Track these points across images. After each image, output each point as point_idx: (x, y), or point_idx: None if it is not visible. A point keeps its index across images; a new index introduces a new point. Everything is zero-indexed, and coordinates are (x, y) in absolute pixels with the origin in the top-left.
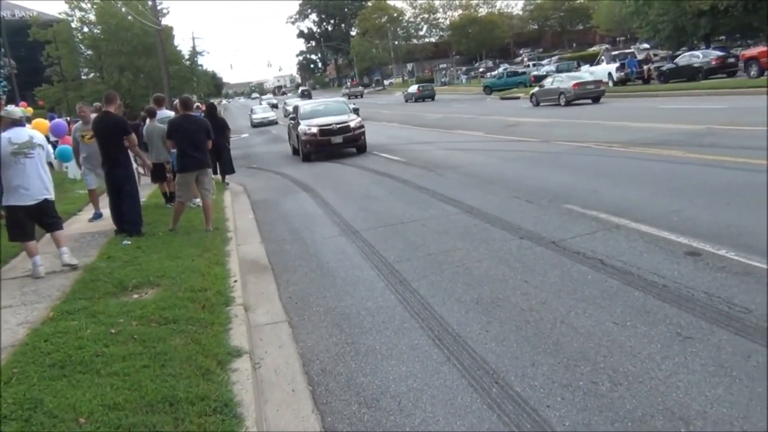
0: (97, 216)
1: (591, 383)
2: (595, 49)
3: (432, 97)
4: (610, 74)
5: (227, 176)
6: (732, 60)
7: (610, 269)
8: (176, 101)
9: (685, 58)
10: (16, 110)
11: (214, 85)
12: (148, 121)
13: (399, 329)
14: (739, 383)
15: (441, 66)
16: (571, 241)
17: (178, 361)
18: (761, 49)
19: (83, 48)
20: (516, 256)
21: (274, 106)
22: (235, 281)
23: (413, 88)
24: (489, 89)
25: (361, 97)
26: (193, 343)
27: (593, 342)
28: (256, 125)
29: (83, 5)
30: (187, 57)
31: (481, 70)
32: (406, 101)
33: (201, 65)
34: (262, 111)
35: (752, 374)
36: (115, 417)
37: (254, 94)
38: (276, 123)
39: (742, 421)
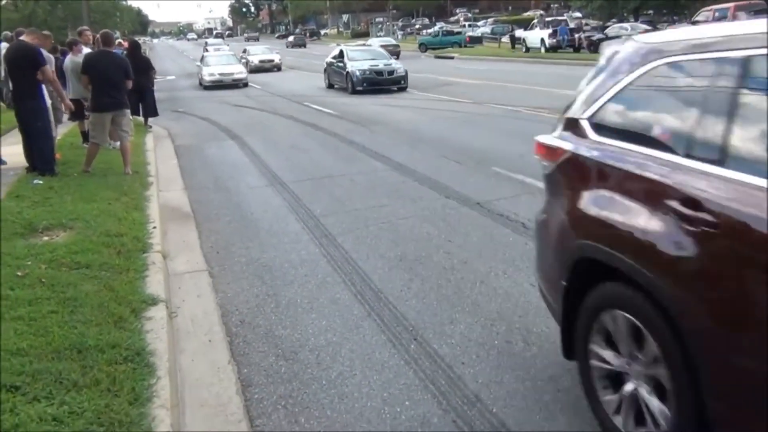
0: None
1: (505, 342)
2: (530, 14)
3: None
4: (542, 40)
5: (150, 119)
6: None
7: (531, 233)
8: (97, 36)
9: (615, 29)
10: None
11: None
12: (69, 54)
13: (321, 283)
14: None
15: (377, 20)
16: (496, 203)
17: (89, 308)
18: (685, 26)
19: None
20: (441, 215)
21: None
22: (154, 227)
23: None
24: (424, 47)
25: (304, 47)
26: (105, 289)
27: (510, 302)
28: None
29: None
30: None
31: (417, 26)
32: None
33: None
34: (261, 52)
35: None
36: (18, 363)
37: (190, 34)
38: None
39: None
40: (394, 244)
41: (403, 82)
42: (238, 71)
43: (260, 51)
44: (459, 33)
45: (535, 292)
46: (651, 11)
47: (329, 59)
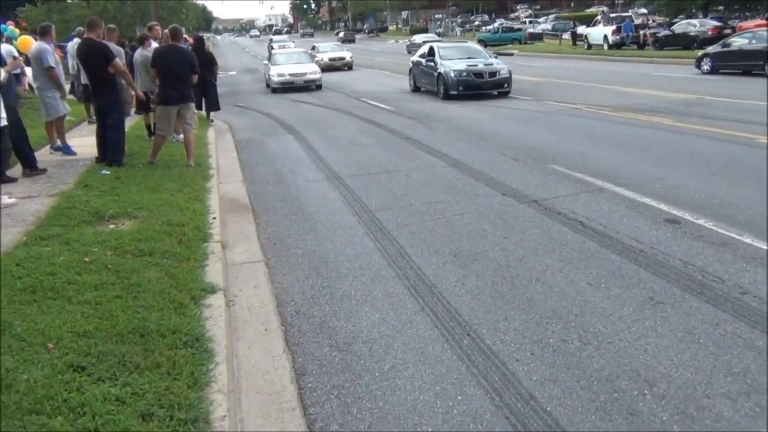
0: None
1: (561, 341)
2: (593, 10)
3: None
4: (605, 37)
5: (212, 113)
6: (728, 31)
7: (589, 231)
8: (165, 31)
9: (682, 26)
10: None
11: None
12: (139, 48)
13: (375, 276)
14: (705, 350)
15: (436, 16)
16: (554, 201)
17: (151, 294)
18: (758, 21)
19: None
20: (498, 212)
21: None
22: (214, 218)
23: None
24: (483, 43)
25: (353, 42)
26: (167, 276)
27: (566, 301)
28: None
29: None
30: None
31: (476, 23)
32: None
33: None
34: (331, 50)
35: (719, 342)
36: (84, 344)
37: (253, 31)
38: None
39: (704, 387)
40: (449, 239)
41: (506, 85)
42: (312, 71)
43: (330, 48)
44: (519, 30)
45: (593, 291)
46: (721, 6)
47: (416, 58)
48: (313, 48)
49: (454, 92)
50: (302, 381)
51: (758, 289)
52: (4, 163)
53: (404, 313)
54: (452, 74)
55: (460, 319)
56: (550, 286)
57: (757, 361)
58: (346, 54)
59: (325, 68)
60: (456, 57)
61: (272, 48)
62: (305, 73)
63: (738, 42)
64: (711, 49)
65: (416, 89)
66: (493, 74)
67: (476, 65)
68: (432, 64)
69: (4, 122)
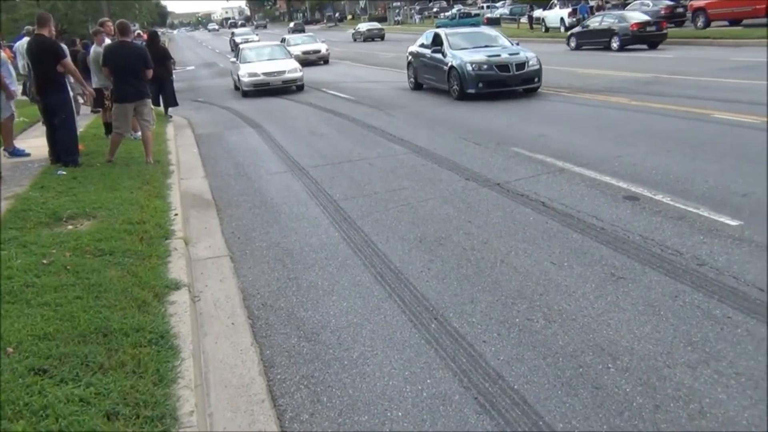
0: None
1: (526, 320)
2: None
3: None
4: (562, 19)
5: (170, 109)
6: (680, 10)
7: (551, 211)
8: (113, 25)
9: (636, 5)
10: None
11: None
12: (93, 45)
13: (342, 266)
14: (665, 321)
15: (395, 4)
16: (516, 183)
17: (113, 293)
18: (709, 0)
19: None
20: (461, 196)
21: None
22: (176, 215)
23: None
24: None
25: (303, 32)
26: (129, 275)
27: (531, 281)
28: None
29: None
30: None
31: (435, 10)
32: (354, 40)
33: None
34: (303, 42)
35: (678, 313)
36: (45, 347)
37: (211, 24)
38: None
39: (665, 357)
40: (413, 226)
41: (537, 80)
42: (291, 68)
43: (302, 40)
44: (477, 15)
45: (556, 270)
46: None
47: (415, 48)
48: (283, 41)
49: (471, 90)
50: (271, 373)
51: (714, 260)
52: None
53: (371, 300)
54: (469, 68)
55: (427, 304)
56: (515, 267)
57: (714, 330)
58: (321, 46)
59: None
60: (469, 45)
61: (236, 43)
62: (283, 72)
63: (593, 23)
64: (574, 30)
65: (418, 86)
66: (521, 66)
67: (498, 55)
68: (439, 55)
69: None
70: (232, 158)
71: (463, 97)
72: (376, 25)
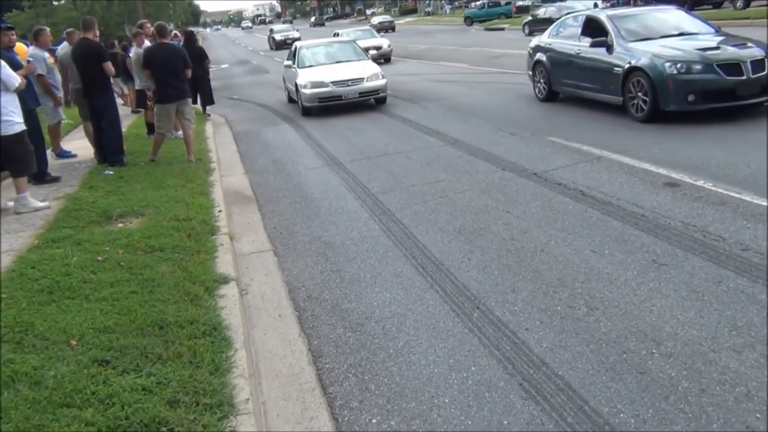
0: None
1: (568, 308)
2: None
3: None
4: (595, 4)
5: (208, 107)
6: None
7: (590, 200)
8: (152, 28)
9: None
10: None
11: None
12: (134, 47)
13: (383, 258)
14: (709, 307)
15: None
16: (553, 172)
17: (166, 287)
18: None
19: None
20: (498, 187)
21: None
22: (220, 211)
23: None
24: (470, 20)
25: (323, 26)
26: (179, 270)
27: (571, 269)
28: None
29: None
30: None
31: (465, 0)
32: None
33: None
34: (360, 37)
35: (722, 298)
36: (106, 339)
37: (244, 22)
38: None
39: (710, 342)
40: (452, 217)
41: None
42: (371, 74)
43: (358, 35)
44: (507, 3)
45: (597, 258)
46: None
47: (546, 39)
48: (336, 35)
49: (675, 106)
50: (319, 362)
51: (759, 245)
52: (29, 166)
53: (414, 291)
54: (669, 69)
55: (469, 294)
56: (555, 256)
57: (760, 314)
58: (382, 42)
59: None
60: (655, 35)
61: (275, 41)
62: (360, 79)
63: (539, 13)
64: (527, 19)
65: (551, 96)
66: (759, 65)
67: (717, 47)
68: (601, 49)
69: (23, 126)
70: (270, 154)
71: (656, 116)
72: (387, 17)
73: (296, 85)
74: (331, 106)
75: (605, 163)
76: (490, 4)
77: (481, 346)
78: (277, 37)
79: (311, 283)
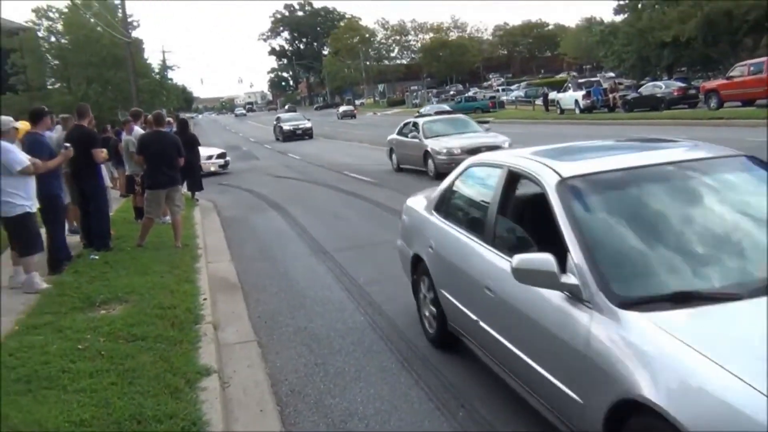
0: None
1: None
2: (562, 75)
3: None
4: (576, 101)
5: (197, 193)
6: (693, 91)
7: None
8: (149, 116)
9: (649, 87)
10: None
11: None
12: (124, 133)
13: (368, 351)
14: None
15: (412, 88)
16: None
17: (147, 379)
18: (720, 81)
19: (50, 57)
20: None
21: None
22: (205, 299)
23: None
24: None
25: (354, 118)
26: (161, 360)
27: None
28: None
29: (51, 14)
30: (157, 71)
31: (451, 93)
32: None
33: (171, 79)
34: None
35: None
36: None
37: (238, 109)
38: None
39: None
40: None
41: None
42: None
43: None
44: (484, 99)
45: None
46: (684, 68)
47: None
48: (414, 126)
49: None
50: None
51: None
52: (33, 248)
53: (399, 387)
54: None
55: (455, 392)
56: None
57: None
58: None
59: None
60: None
61: (282, 130)
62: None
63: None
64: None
65: None
66: None
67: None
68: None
69: (27, 209)
70: (258, 241)
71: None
72: (350, 107)
73: (428, 150)
74: None
75: None
76: (466, 98)
77: None
78: (286, 126)
79: (294, 377)
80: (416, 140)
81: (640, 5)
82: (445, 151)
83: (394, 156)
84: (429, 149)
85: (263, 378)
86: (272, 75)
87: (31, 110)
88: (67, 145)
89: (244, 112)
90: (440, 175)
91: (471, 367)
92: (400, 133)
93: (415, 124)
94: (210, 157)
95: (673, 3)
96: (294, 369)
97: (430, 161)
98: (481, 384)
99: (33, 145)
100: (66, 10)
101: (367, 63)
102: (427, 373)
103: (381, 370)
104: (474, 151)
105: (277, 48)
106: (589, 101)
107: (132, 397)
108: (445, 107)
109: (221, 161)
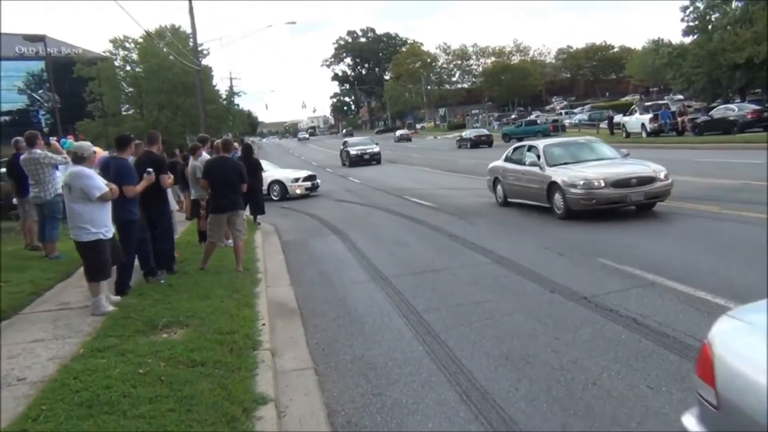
0: None
1: None
2: (628, 98)
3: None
4: (643, 125)
5: (258, 216)
6: None
7: (644, 329)
8: (217, 141)
9: (720, 110)
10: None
11: (250, 124)
12: (191, 158)
13: (426, 382)
14: None
15: (473, 111)
16: (604, 297)
17: (204, 407)
18: None
19: (125, 85)
20: (547, 310)
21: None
22: (263, 324)
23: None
24: (508, 137)
25: (410, 141)
26: (219, 387)
27: (626, 407)
28: None
29: (127, 45)
30: (224, 97)
31: (513, 116)
32: (459, 147)
33: (237, 105)
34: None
35: None
36: None
37: (301, 133)
38: None
39: None
40: (498, 341)
41: None
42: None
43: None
44: (545, 122)
45: (654, 395)
46: (759, 90)
47: None
48: (530, 150)
49: None
50: None
51: None
52: (100, 274)
53: (457, 422)
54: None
55: (516, 428)
56: (608, 390)
57: None
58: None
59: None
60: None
61: (348, 154)
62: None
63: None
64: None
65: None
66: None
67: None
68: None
69: (98, 236)
70: (317, 266)
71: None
72: (405, 131)
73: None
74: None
75: (659, 289)
76: (527, 122)
77: None
78: (353, 151)
79: (351, 407)
80: (536, 168)
81: (710, 27)
82: (582, 183)
83: (499, 187)
84: (558, 180)
85: (320, 407)
86: (335, 100)
87: (117, 137)
88: (150, 170)
89: (306, 136)
90: (572, 214)
91: (534, 401)
92: (509, 159)
93: (533, 148)
94: (296, 180)
95: (747, 24)
96: (351, 399)
97: (557, 195)
98: (544, 422)
99: (120, 170)
100: (141, 40)
101: (428, 87)
102: (487, 407)
103: (439, 403)
104: (622, 183)
105: (340, 73)
106: (656, 124)
107: (189, 425)
108: (485, 131)
109: (308, 183)
